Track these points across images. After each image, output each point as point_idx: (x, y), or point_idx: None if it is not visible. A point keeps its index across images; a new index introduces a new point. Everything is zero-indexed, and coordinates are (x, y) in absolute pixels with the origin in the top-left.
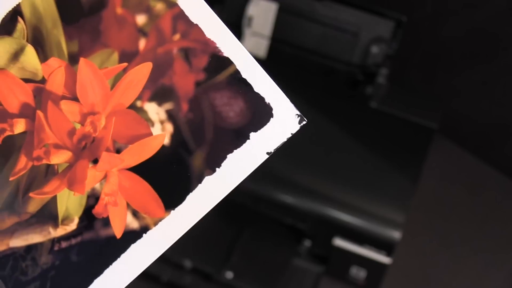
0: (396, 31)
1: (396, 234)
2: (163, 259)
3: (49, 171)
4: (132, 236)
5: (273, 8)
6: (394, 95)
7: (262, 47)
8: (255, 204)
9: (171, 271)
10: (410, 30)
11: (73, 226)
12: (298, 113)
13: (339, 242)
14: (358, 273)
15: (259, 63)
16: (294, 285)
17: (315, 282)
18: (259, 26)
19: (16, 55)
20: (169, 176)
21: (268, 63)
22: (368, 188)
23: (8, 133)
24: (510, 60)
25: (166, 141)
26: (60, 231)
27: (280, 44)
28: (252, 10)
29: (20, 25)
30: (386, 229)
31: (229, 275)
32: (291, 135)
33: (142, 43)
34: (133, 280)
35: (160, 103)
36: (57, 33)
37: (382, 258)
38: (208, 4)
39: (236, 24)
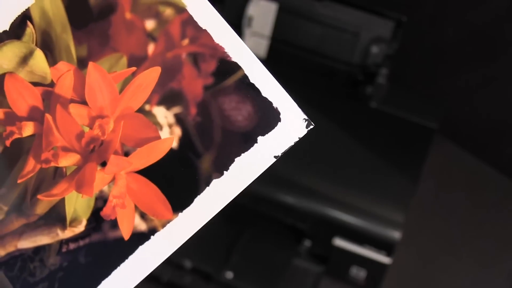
0: (396, 31)
1: (396, 234)
2: None
3: (57, 174)
4: (140, 238)
5: (273, 8)
6: (394, 95)
7: (262, 47)
8: (255, 204)
9: (171, 271)
10: (410, 30)
11: (81, 228)
12: (306, 117)
13: (339, 242)
14: (358, 273)
15: None
16: (294, 285)
17: (315, 282)
18: (259, 26)
19: (25, 59)
20: (177, 179)
21: (268, 63)
22: (368, 188)
23: (16, 136)
24: (510, 61)
25: (175, 144)
26: (68, 232)
27: (280, 44)
28: (252, 10)
29: (29, 29)
30: (386, 229)
31: (229, 275)
32: (298, 139)
33: (151, 48)
34: None
35: (168, 107)
36: (66, 37)
37: (382, 258)
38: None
39: (236, 24)
